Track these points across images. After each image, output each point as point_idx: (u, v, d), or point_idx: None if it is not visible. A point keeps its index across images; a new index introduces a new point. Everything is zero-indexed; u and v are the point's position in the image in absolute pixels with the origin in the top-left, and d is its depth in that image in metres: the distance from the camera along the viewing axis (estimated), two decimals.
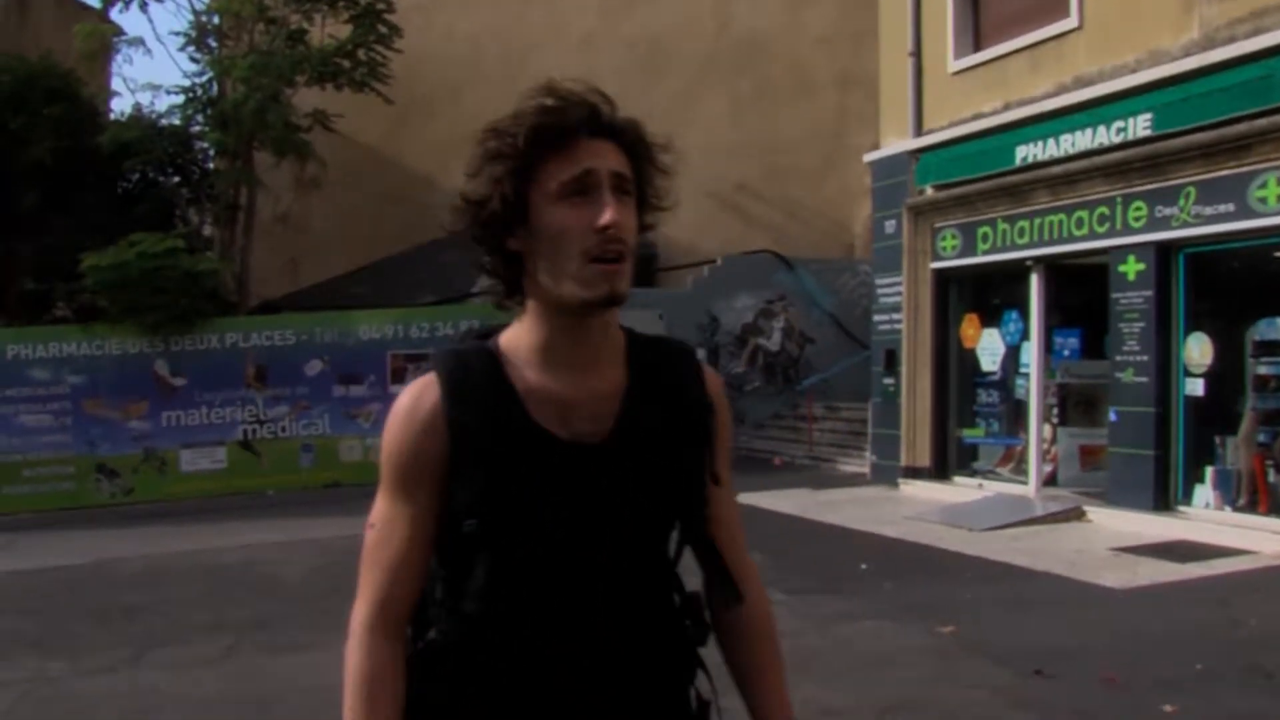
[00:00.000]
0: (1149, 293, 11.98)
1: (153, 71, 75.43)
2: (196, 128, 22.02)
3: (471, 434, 1.87)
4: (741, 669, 2.13)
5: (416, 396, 1.94)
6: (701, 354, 21.53)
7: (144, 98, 73.58)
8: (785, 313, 21.88)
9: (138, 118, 22.19)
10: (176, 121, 22.01)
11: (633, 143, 1.91)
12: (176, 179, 23.14)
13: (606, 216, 1.81)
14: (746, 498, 14.41)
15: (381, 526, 1.97)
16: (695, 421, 1.99)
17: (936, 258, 15.16)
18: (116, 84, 27.78)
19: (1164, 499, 11.92)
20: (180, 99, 21.77)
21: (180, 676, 7.49)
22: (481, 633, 1.93)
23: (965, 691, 6.52)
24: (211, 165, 22.89)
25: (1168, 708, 6.05)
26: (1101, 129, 12.50)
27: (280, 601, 9.96)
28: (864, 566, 10.29)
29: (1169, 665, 6.88)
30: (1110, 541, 11.17)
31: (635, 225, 1.90)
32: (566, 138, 1.84)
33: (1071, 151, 12.89)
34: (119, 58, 27.75)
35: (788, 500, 14.21)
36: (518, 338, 1.96)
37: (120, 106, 39.88)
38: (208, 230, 23.55)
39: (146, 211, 21.14)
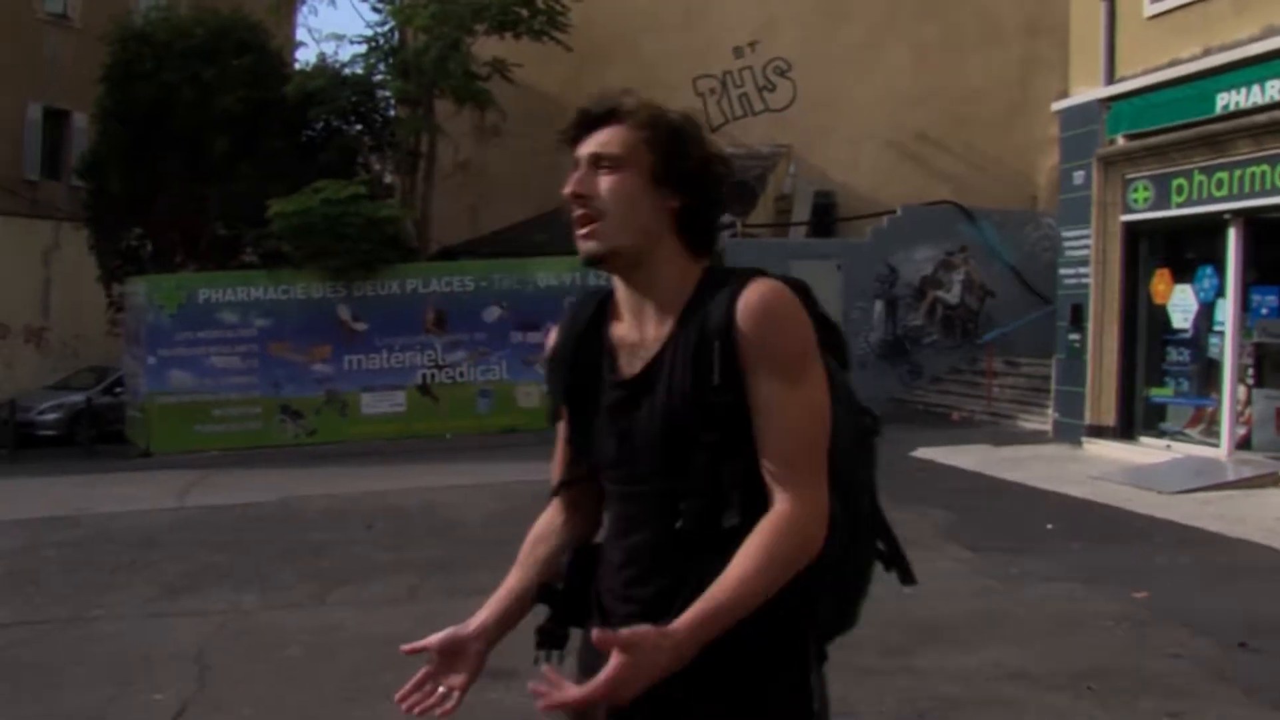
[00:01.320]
0: None
1: (336, 22, 77.26)
2: (378, 77, 22.39)
3: (558, 363, 2.31)
4: None
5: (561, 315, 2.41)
6: (879, 307, 21.46)
7: (328, 48, 75.57)
8: (965, 265, 21.39)
9: (322, 67, 22.63)
10: (359, 71, 22.39)
11: (627, 119, 2.20)
12: (359, 127, 23.56)
13: (568, 188, 2.19)
14: (925, 452, 14.20)
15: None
16: (707, 348, 2.12)
17: (1127, 210, 14.63)
18: (301, 35, 28.34)
19: None
20: (363, 49, 22.17)
21: (365, 614, 7.65)
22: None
23: (1164, 661, 6.27)
24: (393, 113, 23.25)
25: None
26: None
27: (461, 544, 10.11)
28: (1050, 526, 9.99)
29: None
30: None
31: (620, 186, 2.17)
32: (575, 141, 2.23)
33: (1278, 98, 12.28)
34: (304, 9, 28.40)
35: (967, 456, 13.93)
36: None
37: (305, 57, 40.80)
38: (389, 178, 23.96)
39: (330, 159, 21.59)
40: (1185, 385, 14.44)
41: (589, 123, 2.22)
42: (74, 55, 25.67)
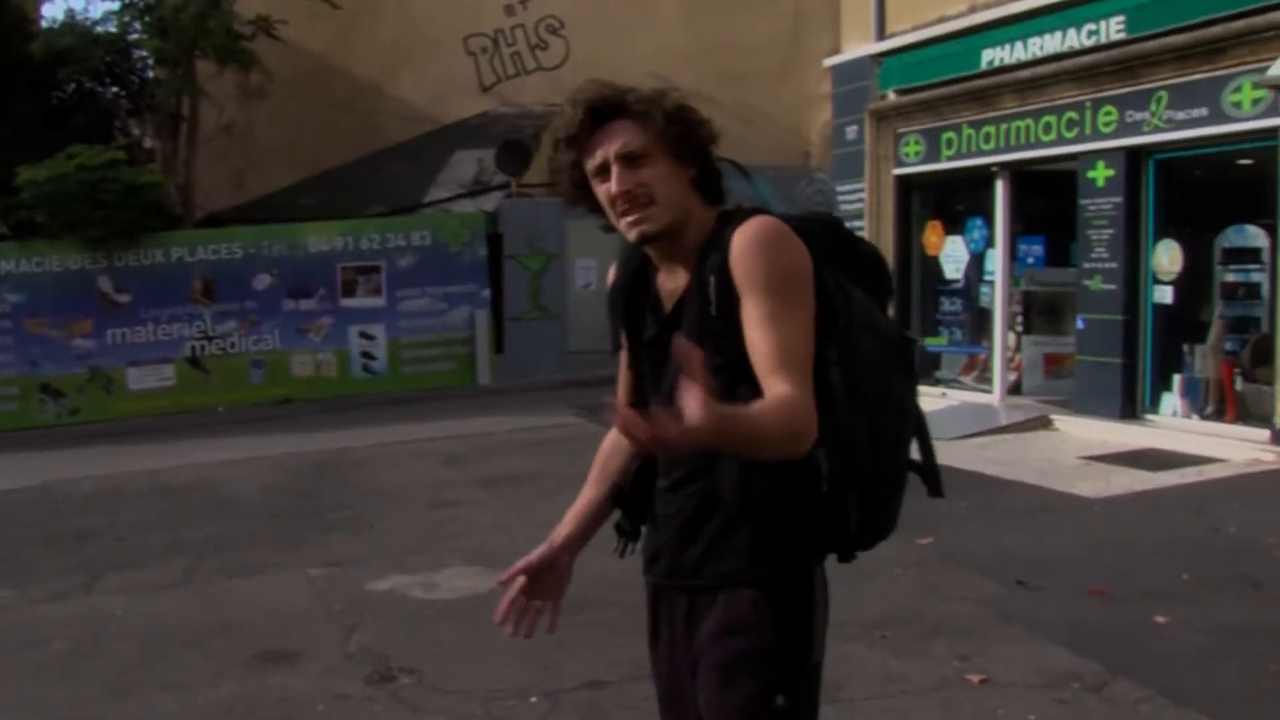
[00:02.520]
0: (1118, 199, 11.78)
1: None
2: (134, 35, 21.25)
3: (616, 300, 2.68)
4: None
5: (611, 266, 2.76)
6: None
7: (77, 3, 71.72)
8: None
9: (71, 24, 21.33)
10: (113, 28, 21.22)
11: (641, 114, 2.47)
12: (115, 89, 22.39)
13: (615, 188, 2.47)
14: None
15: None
16: (705, 283, 2.44)
17: (899, 164, 14.89)
18: None
19: (1131, 407, 11.83)
20: (116, 5, 21.02)
21: (137, 602, 7.24)
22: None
23: (952, 605, 6.37)
24: (151, 74, 22.16)
25: (1160, 619, 5.92)
26: (1072, 31, 12.20)
27: (238, 520, 9.72)
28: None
29: (1155, 576, 6.76)
30: (1079, 450, 11.06)
31: (658, 175, 2.47)
32: (581, 138, 2.49)
33: (1040, 55, 12.60)
34: None
35: None
36: None
37: (52, 13, 38.75)
38: (149, 142, 22.88)
39: (84, 123, 20.42)
40: (959, 334, 14.83)
41: (594, 119, 2.47)
42: None
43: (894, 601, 6.40)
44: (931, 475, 2.73)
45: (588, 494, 2.79)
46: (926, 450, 2.72)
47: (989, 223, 13.82)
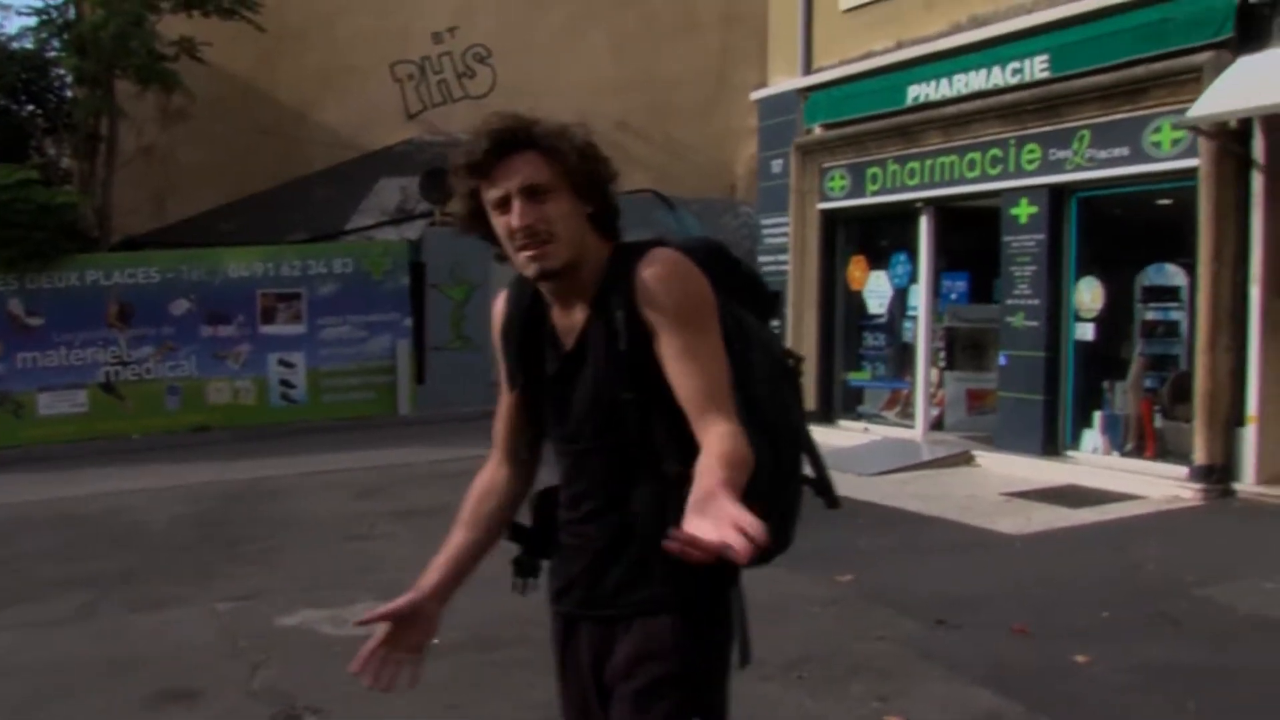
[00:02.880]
0: (1041, 236, 11.85)
1: None
2: (52, 53, 20.87)
3: (510, 337, 2.66)
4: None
5: (498, 296, 2.74)
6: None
7: None
8: None
9: None
10: (29, 45, 20.82)
11: (549, 149, 2.44)
12: (30, 107, 21.96)
13: (516, 221, 2.43)
14: None
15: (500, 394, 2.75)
16: (613, 319, 2.45)
17: (824, 198, 14.91)
18: None
19: (1053, 444, 11.86)
20: (33, 21, 20.64)
21: (31, 638, 6.98)
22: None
23: (871, 644, 6.27)
24: (69, 93, 21.75)
25: (1080, 658, 5.86)
26: (997, 69, 12.29)
27: (145, 552, 9.46)
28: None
29: (1075, 613, 6.71)
30: (1000, 486, 11.07)
31: (560, 211, 2.44)
32: (485, 167, 2.45)
33: (965, 92, 12.68)
34: None
35: None
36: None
37: None
38: (66, 162, 22.43)
39: None
40: (881, 369, 14.82)
41: (500, 149, 2.43)
42: None
43: (812, 640, 6.31)
44: (825, 489, 2.74)
45: (459, 537, 2.74)
46: (818, 464, 2.74)
47: (913, 258, 13.84)
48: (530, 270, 2.47)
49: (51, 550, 9.65)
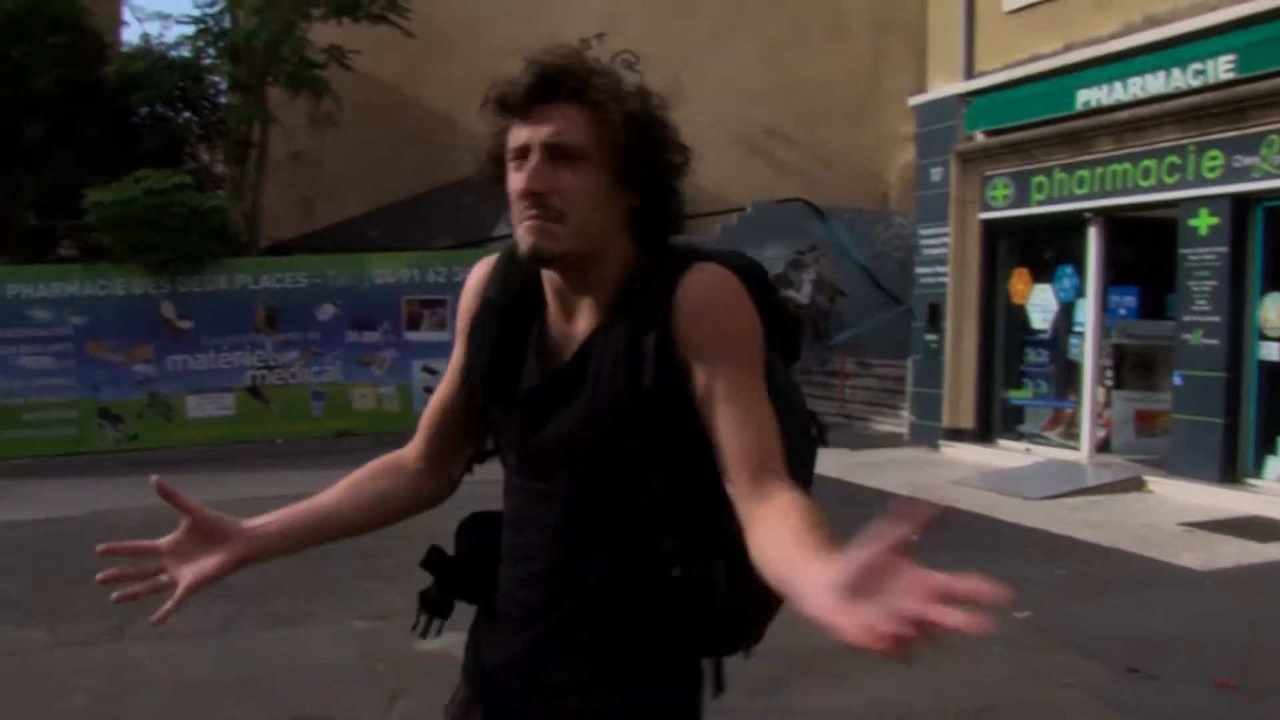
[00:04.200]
0: (1223, 249, 11.15)
1: (162, 1, 74.01)
2: (207, 61, 21.16)
3: (482, 326, 2.08)
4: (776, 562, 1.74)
5: (476, 266, 2.18)
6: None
7: (152, 28, 72.69)
8: (816, 264, 20.95)
9: (145, 49, 21.26)
10: (186, 54, 21.12)
11: (595, 104, 1.93)
12: (187, 114, 22.28)
13: (523, 183, 1.93)
14: None
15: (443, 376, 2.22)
16: (639, 345, 1.92)
17: (986, 208, 14.30)
18: (125, 13, 26.87)
19: (1233, 471, 11.15)
20: (191, 30, 20.95)
21: (166, 651, 6.75)
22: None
23: (1055, 691, 5.75)
24: (223, 100, 22.04)
25: None
26: (1176, 71, 11.63)
27: (282, 564, 9.22)
28: (915, 537, 9.36)
29: None
30: (1177, 515, 10.38)
31: (582, 186, 1.93)
32: (518, 107, 1.95)
33: (1140, 96, 12.02)
34: None
35: (824, 460, 13.34)
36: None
37: (130, 37, 39.02)
38: (219, 168, 22.74)
39: (156, 147, 20.29)
40: (1044, 387, 14.17)
41: (542, 90, 1.94)
42: None
43: (992, 687, 5.80)
44: None
45: (322, 498, 2.21)
46: None
47: (1080, 271, 13.19)
48: (523, 245, 1.94)
49: None
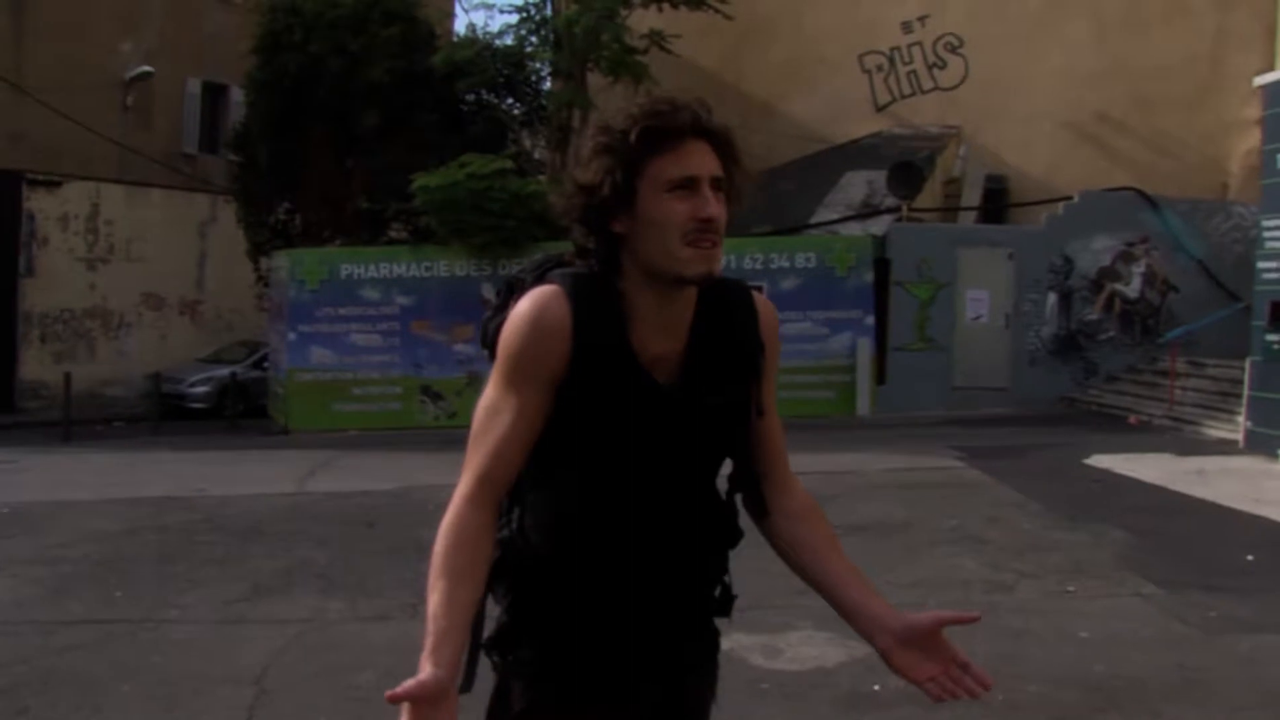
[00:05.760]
0: None
1: None
2: (530, 48, 21.68)
3: (592, 353, 2.16)
4: (811, 568, 2.36)
5: (544, 305, 2.17)
6: (1052, 299, 20.22)
7: (478, 18, 76.65)
8: (1147, 257, 19.83)
9: (471, 38, 22.04)
10: (510, 42, 21.71)
11: (723, 145, 2.19)
12: (510, 100, 22.92)
13: (709, 210, 2.14)
14: (1100, 460, 12.86)
15: (492, 414, 2.19)
16: (746, 361, 2.28)
17: None
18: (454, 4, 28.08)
19: None
20: (514, 18, 21.53)
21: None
22: (563, 536, 2.22)
23: None
24: (545, 86, 22.56)
25: None
26: None
27: None
28: (1250, 558, 8.45)
29: None
30: None
31: (727, 216, 2.19)
32: (673, 139, 2.14)
33: None
34: None
35: (1148, 466, 12.56)
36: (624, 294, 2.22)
37: (457, 27, 40.64)
38: (539, 153, 23.30)
39: (480, 133, 21.01)
40: None
41: (694, 129, 2.17)
42: (234, 31, 25.54)
43: None
44: None
45: (462, 595, 2.08)
46: None
47: None
48: (695, 269, 2.14)
49: None
